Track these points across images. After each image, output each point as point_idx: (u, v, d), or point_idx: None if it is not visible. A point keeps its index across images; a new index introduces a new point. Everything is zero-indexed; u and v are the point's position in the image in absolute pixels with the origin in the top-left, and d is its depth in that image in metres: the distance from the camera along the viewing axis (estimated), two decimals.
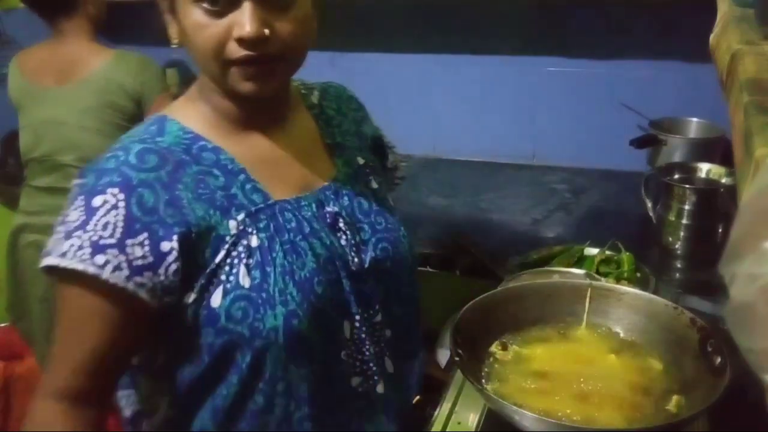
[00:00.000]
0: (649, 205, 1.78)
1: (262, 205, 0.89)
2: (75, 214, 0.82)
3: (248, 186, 0.89)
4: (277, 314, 0.85)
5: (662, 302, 1.05)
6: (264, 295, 0.85)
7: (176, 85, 2.51)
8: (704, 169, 1.78)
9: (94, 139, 1.94)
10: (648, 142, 1.98)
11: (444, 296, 1.46)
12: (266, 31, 0.81)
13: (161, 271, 0.82)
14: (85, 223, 0.81)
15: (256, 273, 0.86)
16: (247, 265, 0.85)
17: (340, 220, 0.94)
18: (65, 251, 0.80)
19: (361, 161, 1.05)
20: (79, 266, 0.80)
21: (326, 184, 0.97)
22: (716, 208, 1.65)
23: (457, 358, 0.95)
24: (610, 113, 2.12)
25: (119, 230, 0.80)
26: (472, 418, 1.03)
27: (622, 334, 1.06)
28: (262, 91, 0.86)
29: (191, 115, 0.92)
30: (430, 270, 1.70)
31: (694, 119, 2.07)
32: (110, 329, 0.83)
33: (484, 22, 2.23)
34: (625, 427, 0.89)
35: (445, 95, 2.37)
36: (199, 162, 0.88)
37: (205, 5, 0.81)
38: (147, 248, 0.81)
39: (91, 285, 0.81)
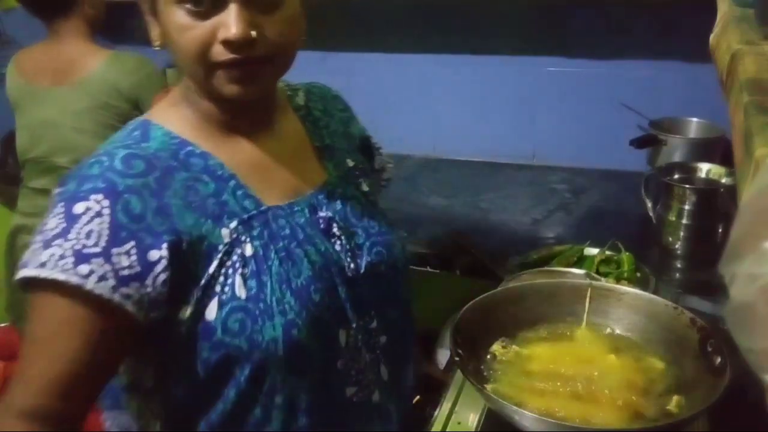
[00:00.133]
0: (649, 205, 1.78)
1: (254, 212, 0.86)
2: (54, 222, 0.77)
3: (239, 192, 0.86)
4: (276, 325, 0.82)
5: (662, 302, 1.05)
6: (261, 305, 0.82)
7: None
8: (704, 169, 1.78)
9: (90, 141, 1.90)
10: (648, 142, 1.98)
11: (444, 296, 1.46)
12: (253, 33, 0.78)
13: (149, 281, 0.78)
14: (66, 231, 0.76)
15: (252, 283, 0.82)
16: (242, 275, 0.82)
17: (334, 225, 0.91)
18: (44, 261, 0.75)
19: (350, 163, 1.02)
20: (61, 276, 0.75)
21: (318, 188, 0.94)
22: (716, 208, 1.65)
23: (457, 358, 0.95)
24: (610, 113, 2.12)
25: (104, 238, 0.76)
26: (472, 418, 1.03)
27: (622, 334, 1.06)
28: (247, 94, 0.83)
29: (175, 120, 0.88)
30: (430, 270, 1.69)
31: (694, 119, 2.07)
32: (91, 344, 0.77)
33: (484, 22, 2.23)
34: (625, 427, 0.89)
35: (445, 95, 2.37)
36: (188, 168, 0.84)
37: (188, 6, 0.78)
38: (134, 257, 0.77)
39: (72, 296, 0.76)
